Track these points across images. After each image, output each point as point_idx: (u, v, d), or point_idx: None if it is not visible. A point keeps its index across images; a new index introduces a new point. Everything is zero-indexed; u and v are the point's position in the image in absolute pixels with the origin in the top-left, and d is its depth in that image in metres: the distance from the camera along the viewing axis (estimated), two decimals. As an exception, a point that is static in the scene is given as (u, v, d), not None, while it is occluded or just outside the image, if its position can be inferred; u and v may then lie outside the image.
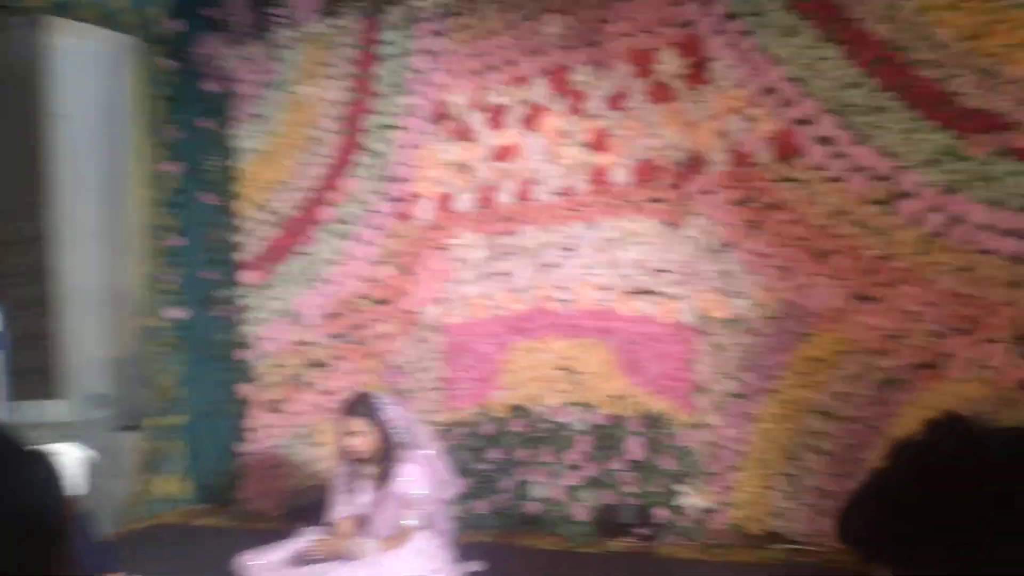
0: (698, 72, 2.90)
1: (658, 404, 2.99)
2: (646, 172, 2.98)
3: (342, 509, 2.57)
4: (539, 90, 3.18)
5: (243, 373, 3.81)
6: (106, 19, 3.93)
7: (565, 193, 3.13)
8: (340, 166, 3.57)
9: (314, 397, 3.60)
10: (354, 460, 2.56)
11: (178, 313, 4.01)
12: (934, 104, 2.53)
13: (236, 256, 3.83)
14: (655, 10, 2.97)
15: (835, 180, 2.68)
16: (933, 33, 2.52)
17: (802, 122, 2.73)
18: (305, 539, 2.54)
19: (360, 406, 2.54)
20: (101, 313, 4.53)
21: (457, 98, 3.32)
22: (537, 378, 3.19)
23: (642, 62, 3.00)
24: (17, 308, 3.80)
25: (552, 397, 3.16)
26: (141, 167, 4.16)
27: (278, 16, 3.70)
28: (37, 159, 4.91)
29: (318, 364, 3.61)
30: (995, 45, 2.45)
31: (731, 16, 2.85)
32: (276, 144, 3.73)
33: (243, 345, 3.80)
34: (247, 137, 3.80)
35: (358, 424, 2.51)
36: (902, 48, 2.58)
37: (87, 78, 4.83)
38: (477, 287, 3.29)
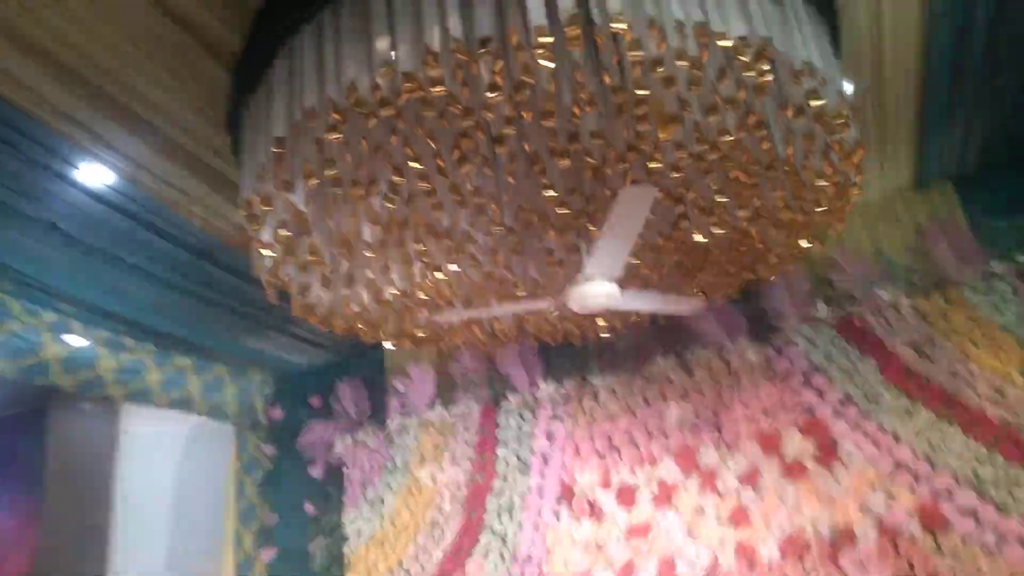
0: (827, 451, 3.17)
1: None
2: (794, 547, 3.10)
3: None
4: (668, 469, 3.38)
5: None
6: (185, 404, 4.06)
7: (712, 571, 3.18)
8: (462, 548, 3.59)
9: None
10: None
11: None
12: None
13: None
14: (774, 396, 3.32)
15: (989, 552, 2.84)
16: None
17: (942, 495, 2.95)
18: None
19: None
20: None
21: (584, 478, 3.49)
22: None
23: (769, 444, 3.27)
24: None
25: None
26: (235, 551, 4.08)
27: (392, 405, 3.96)
28: (99, 541, 4.75)
29: None
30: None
31: (848, 399, 3.21)
32: (390, 527, 3.76)
33: None
34: (358, 521, 3.83)
35: None
36: (1018, 426, 2.92)
37: (159, 460, 4.90)
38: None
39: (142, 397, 3.73)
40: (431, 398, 3.91)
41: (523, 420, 3.69)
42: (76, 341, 3.34)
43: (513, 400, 3.73)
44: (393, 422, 3.93)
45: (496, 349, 3.76)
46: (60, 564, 4.82)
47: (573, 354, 3.68)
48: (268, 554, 3.99)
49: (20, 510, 5.15)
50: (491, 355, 3.83)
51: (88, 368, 3.43)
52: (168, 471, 4.82)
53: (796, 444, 3.22)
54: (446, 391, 3.92)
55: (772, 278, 3.06)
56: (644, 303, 2.78)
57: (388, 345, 3.06)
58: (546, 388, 3.68)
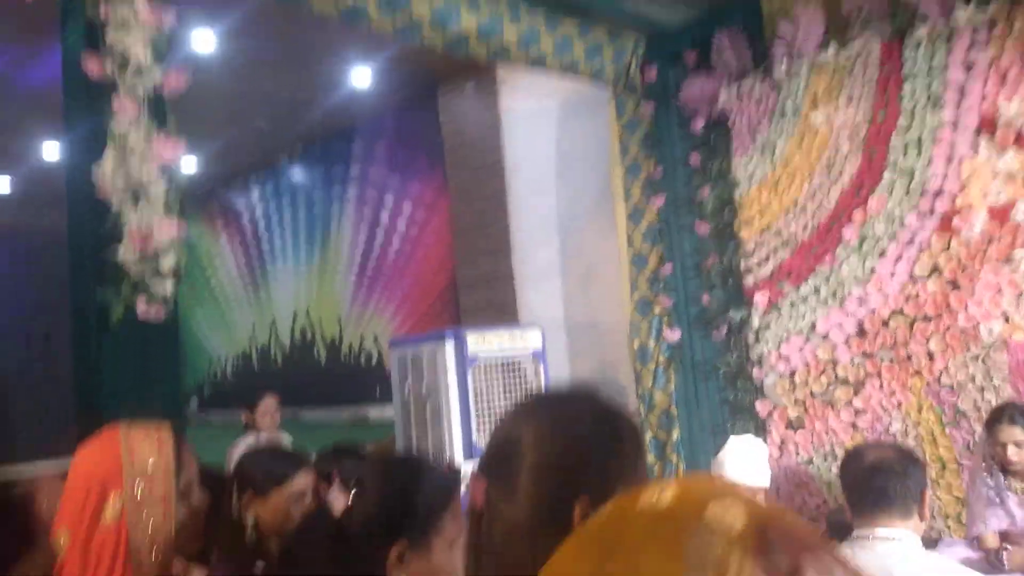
0: None
1: None
2: None
3: (992, 522, 2.55)
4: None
5: (746, 392, 3.96)
6: (572, 68, 4.23)
7: None
8: (863, 186, 3.62)
9: (840, 416, 3.64)
10: (1005, 470, 2.53)
11: (672, 335, 4.26)
12: None
13: (738, 279, 4.00)
14: None
15: None
16: None
17: None
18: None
19: (1019, 416, 2.51)
20: (557, 342, 4.95)
21: (1012, 108, 3.24)
22: None
23: None
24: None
25: None
26: (625, 203, 4.52)
27: (777, 51, 3.86)
28: (499, 208, 5.53)
29: (844, 382, 3.65)
30: None
31: None
32: (783, 170, 3.87)
33: (749, 364, 3.95)
34: (749, 166, 3.98)
35: (1016, 433, 2.48)
36: None
37: (537, 133, 5.38)
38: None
39: (538, 63, 4.02)
40: (821, 39, 3.74)
41: (934, 51, 3.43)
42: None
43: (922, 30, 3.45)
44: (780, 68, 3.86)
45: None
46: (471, 226, 5.71)
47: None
48: (657, 202, 4.35)
49: (432, 182, 6.07)
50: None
51: (496, 38, 3.73)
52: (551, 141, 5.30)
53: None
54: (838, 30, 3.71)
55: None
56: None
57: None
58: (965, 12, 3.32)
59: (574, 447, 0.88)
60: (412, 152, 6.24)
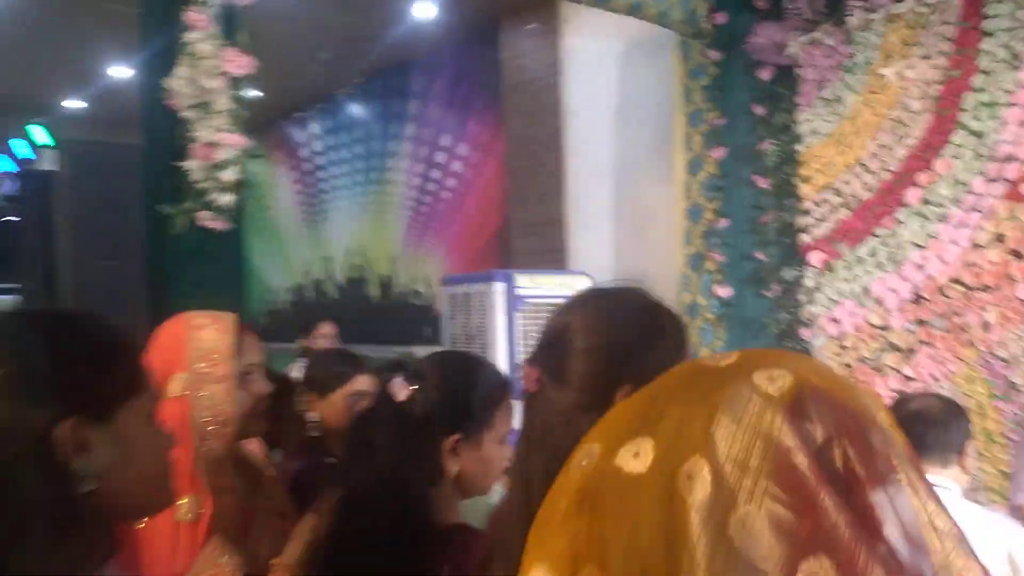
0: None
1: None
2: None
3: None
4: None
5: (796, 351, 3.93)
6: (638, 10, 4.14)
7: None
8: (930, 147, 3.52)
9: (890, 382, 3.60)
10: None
11: (723, 291, 4.24)
12: None
13: (794, 238, 3.95)
14: None
15: None
16: None
17: None
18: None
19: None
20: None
21: (1098, 70, 3.10)
22: None
23: None
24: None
25: None
26: (684, 151, 4.46)
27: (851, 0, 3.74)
28: (554, 151, 5.51)
29: (896, 349, 3.60)
30: None
31: None
32: (849, 126, 3.77)
33: (799, 325, 3.91)
34: (814, 121, 3.89)
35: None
36: None
37: (597, 76, 5.32)
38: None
39: (603, 2, 3.96)
40: (900, -10, 3.61)
41: (1019, 6, 3.28)
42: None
43: (1009, -15, 3.30)
44: (854, 18, 3.74)
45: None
46: (525, 169, 5.71)
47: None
48: (718, 153, 4.29)
49: (488, 122, 6.07)
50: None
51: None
52: (612, 84, 5.23)
53: None
54: (919, -18, 3.57)
55: None
56: None
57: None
58: (1057, -33, 3.17)
59: (620, 336, 0.92)
60: (470, 91, 6.22)
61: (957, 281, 3.43)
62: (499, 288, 3.93)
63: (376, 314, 7.18)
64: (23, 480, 0.74)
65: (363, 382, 2.09)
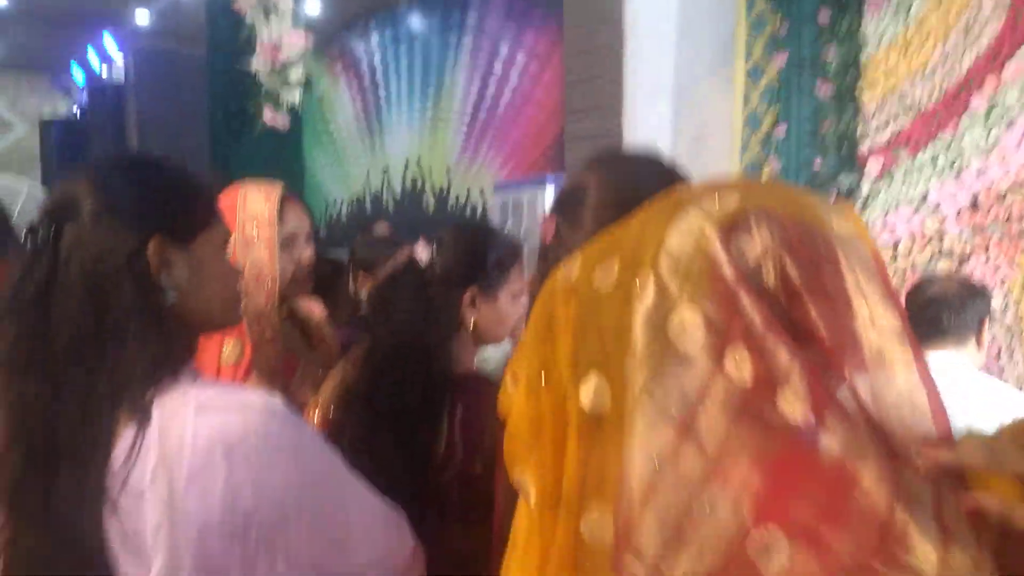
0: None
1: None
2: None
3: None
4: None
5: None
6: None
7: None
8: (999, 53, 3.40)
9: (940, 289, 3.60)
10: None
11: (777, 200, 4.22)
12: None
13: (853, 145, 3.90)
14: None
15: None
16: None
17: None
18: None
19: None
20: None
21: None
22: None
23: None
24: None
25: None
26: (745, 59, 4.39)
27: None
28: (614, 62, 5.44)
29: (948, 255, 3.58)
30: None
31: None
32: (915, 32, 3.67)
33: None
34: (879, 26, 3.79)
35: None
36: None
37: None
38: None
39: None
40: None
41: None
42: None
43: None
44: (929, -83, 3.58)
45: None
46: (583, 81, 5.66)
47: None
48: (779, 59, 4.21)
49: (547, 32, 6.01)
50: None
51: None
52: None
53: None
54: None
55: None
56: None
57: None
58: None
59: (632, 191, 1.01)
60: (529, 1, 6.15)
61: (1019, 187, 3.37)
62: (549, 192, 4.00)
63: (433, 225, 7.30)
64: (120, 288, 0.90)
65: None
